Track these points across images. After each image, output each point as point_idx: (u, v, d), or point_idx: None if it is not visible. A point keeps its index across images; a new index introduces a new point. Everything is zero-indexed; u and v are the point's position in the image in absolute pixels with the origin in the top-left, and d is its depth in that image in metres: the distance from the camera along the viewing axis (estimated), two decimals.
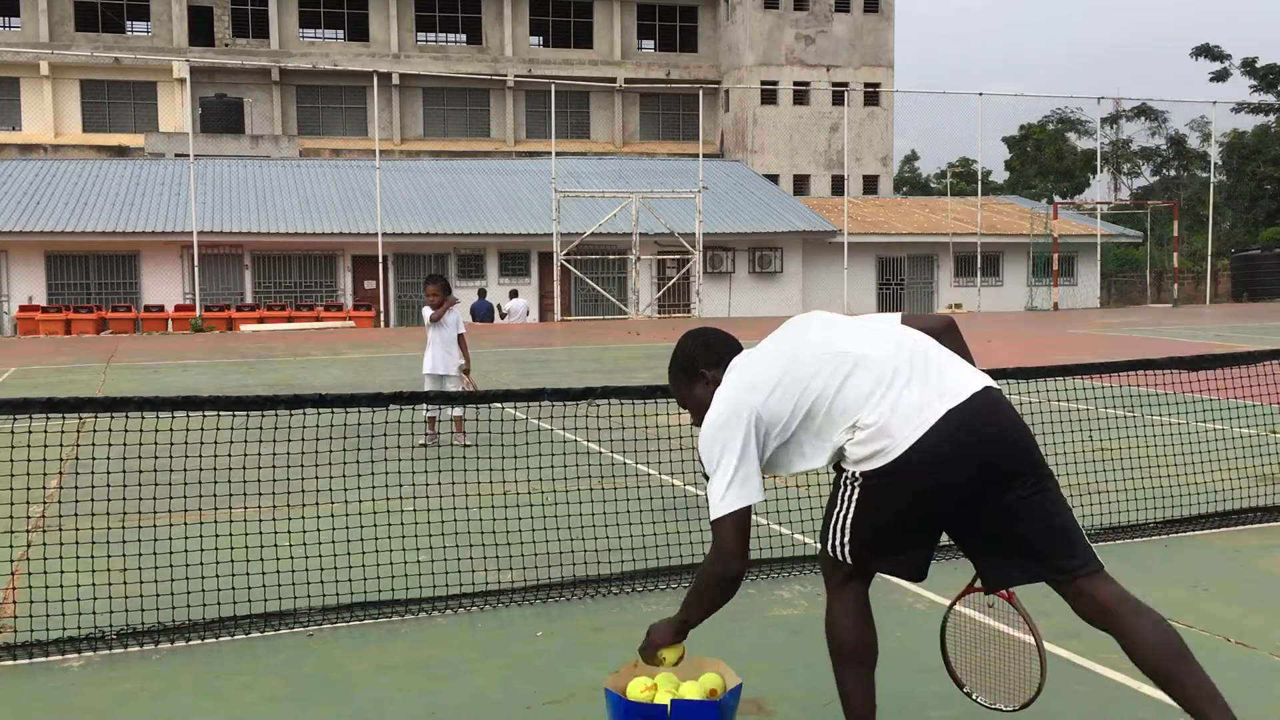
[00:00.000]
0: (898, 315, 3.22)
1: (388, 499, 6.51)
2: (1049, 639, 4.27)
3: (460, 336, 9.66)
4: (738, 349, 3.29)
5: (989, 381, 2.93)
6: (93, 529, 5.45)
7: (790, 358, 3.04)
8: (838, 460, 3.02)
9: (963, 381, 2.89)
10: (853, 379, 2.92)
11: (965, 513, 2.92)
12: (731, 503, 2.92)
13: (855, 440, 2.89)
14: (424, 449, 8.79)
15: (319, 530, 5.49)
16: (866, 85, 45.63)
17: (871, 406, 2.88)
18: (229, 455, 5.53)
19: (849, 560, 3.01)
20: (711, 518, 2.96)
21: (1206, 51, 48.06)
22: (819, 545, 3.10)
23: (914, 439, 2.81)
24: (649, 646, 3.21)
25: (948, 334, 3.15)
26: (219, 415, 5.53)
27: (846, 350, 2.97)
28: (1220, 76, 48.09)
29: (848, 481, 2.97)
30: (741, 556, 2.97)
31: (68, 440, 8.13)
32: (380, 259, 30.71)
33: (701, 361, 3.27)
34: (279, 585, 4.84)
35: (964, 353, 3.13)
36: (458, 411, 9.26)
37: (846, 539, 2.98)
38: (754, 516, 3.05)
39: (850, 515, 2.96)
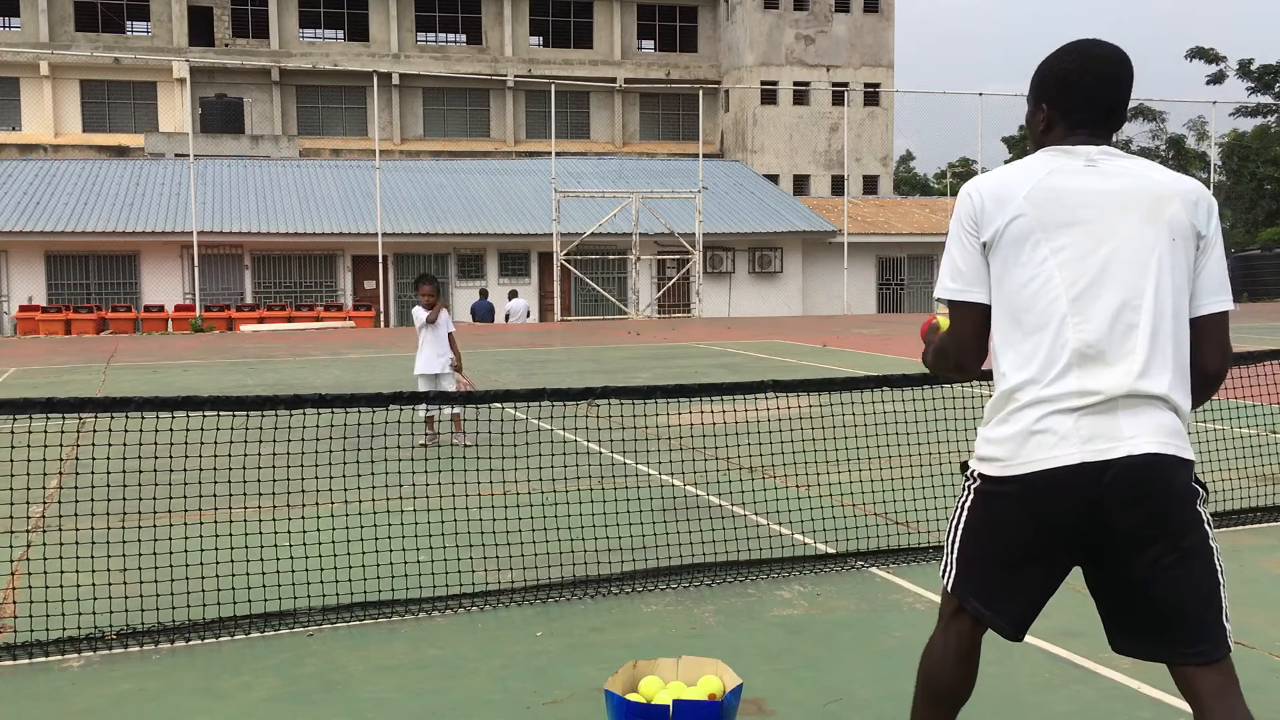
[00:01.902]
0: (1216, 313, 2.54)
1: (388, 499, 6.51)
2: (1049, 638, 4.28)
3: (450, 335, 9.70)
4: (1085, 122, 2.56)
5: (1160, 448, 2.42)
6: (93, 529, 5.45)
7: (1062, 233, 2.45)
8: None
9: (1124, 437, 2.41)
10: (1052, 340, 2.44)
11: (1091, 570, 2.56)
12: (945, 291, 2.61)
13: (986, 425, 2.54)
14: (424, 449, 8.79)
15: (319, 530, 5.49)
16: (866, 85, 45.62)
17: (1029, 375, 2.46)
18: (229, 455, 5.53)
19: (949, 588, 2.66)
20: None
21: (1201, 54, 47.98)
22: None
23: (1037, 467, 2.43)
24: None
25: (1204, 385, 2.58)
26: (219, 415, 5.52)
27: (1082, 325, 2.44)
28: (1216, 79, 48.03)
29: (966, 484, 2.63)
30: (947, 341, 2.64)
31: (68, 440, 8.13)
32: (380, 259, 30.71)
33: (1045, 92, 2.60)
34: (279, 585, 4.84)
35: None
36: (456, 409, 9.27)
37: (954, 555, 2.62)
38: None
39: (961, 525, 2.62)
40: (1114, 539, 2.45)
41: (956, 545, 2.62)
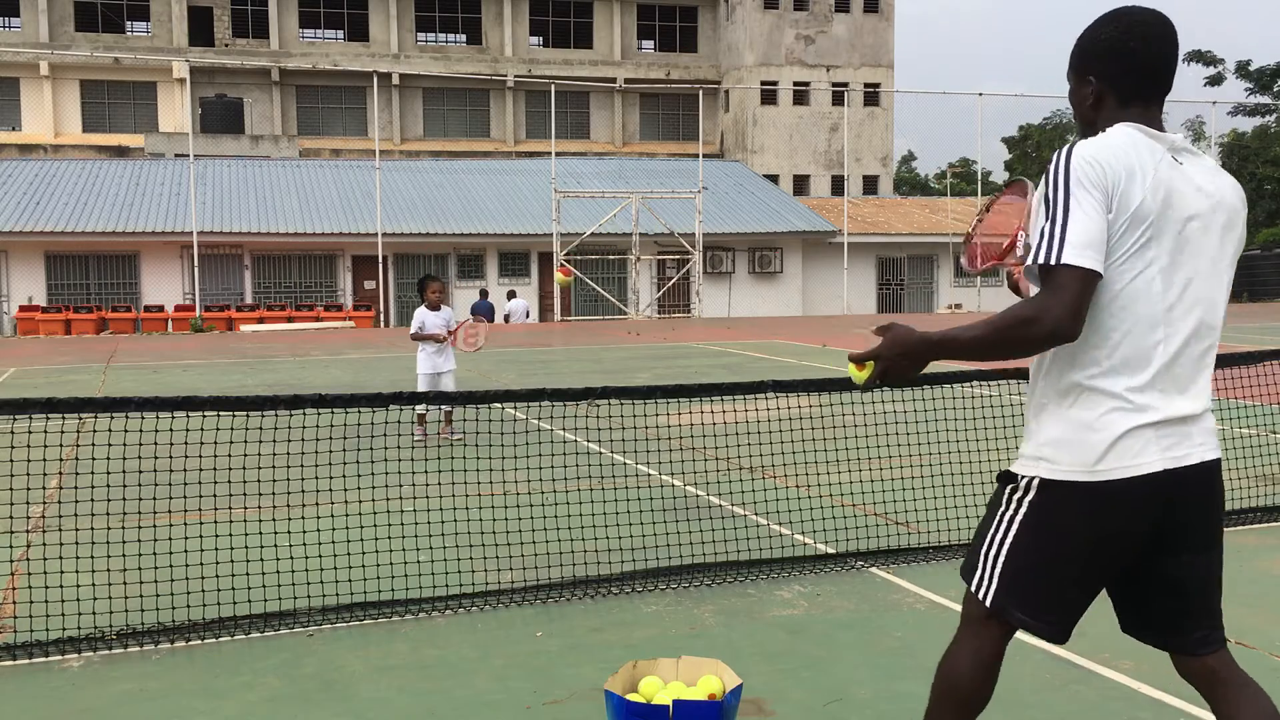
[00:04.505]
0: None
1: (388, 499, 6.51)
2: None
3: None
4: (1138, 91, 2.46)
5: (1217, 452, 2.50)
6: (93, 529, 5.45)
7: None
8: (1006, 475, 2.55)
9: (1196, 443, 2.45)
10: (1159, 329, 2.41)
11: (1131, 566, 2.55)
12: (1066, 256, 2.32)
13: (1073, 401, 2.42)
14: (423, 448, 8.79)
15: (319, 530, 5.49)
16: (866, 85, 45.63)
17: (1137, 362, 2.40)
18: (229, 455, 5.53)
19: (988, 604, 2.51)
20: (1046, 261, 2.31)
21: (1199, 57, 47.98)
22: (963, 580, 2.61)
23: (1127, 474, 2.38)
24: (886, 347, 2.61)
25: None
26: (219, 415, 5.52)
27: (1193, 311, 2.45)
28: (1215, 81, 48.03)
29: (1014, 494, 2.50)
30: (1048, 310, 2.30)
31: (68, 440, 8.13)
32: (380, 259, 30.73)
33: (1089, 64, 2.49)
34: (279, 585, 4.84)
35: None
36: (449, 407, 9.30)
37: (997, 568, 2.50)
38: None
39: (1010, 537, 2.49)
40: (1171, 539, 2.49)
41: (1002, 558, 2.49)
